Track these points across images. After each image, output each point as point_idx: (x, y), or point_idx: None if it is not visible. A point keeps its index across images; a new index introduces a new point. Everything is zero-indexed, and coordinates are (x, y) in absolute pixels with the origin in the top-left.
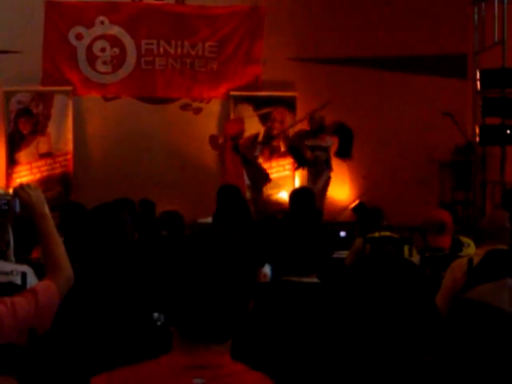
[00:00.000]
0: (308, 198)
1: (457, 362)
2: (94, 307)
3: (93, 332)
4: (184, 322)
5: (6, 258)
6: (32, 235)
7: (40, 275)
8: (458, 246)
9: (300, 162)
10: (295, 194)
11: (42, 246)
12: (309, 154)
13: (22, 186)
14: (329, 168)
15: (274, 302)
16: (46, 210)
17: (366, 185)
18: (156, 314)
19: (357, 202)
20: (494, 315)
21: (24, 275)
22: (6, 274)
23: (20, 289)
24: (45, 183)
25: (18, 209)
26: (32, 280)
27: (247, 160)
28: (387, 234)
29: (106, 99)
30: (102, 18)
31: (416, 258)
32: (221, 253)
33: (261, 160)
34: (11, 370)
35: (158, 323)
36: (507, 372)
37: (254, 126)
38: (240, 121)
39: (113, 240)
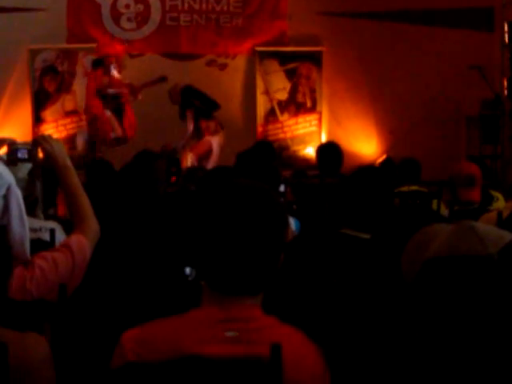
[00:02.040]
0: (336, 153)
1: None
2: (125, 262)
3: (124, 287)
4: (214, 275)
5: (34, 215)
6: (54, 187)
7: (68, 231)
8: (487, 200)
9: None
10: (323, 149)
11: (67, 198)
12: None
13: (43, 137)
14: None
15: (328, 253)
16: (69, 162)
17: (393, 139)
18: (187, 269)
19: (384, 156)
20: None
21: (52, 232)
22: (35, 230)
23: (49, 245)
24: (71, 141)
25: (38, 159)
26: (60, 236)
27: None
28: (415, 188)
29: (131, 56)
30: None
31: (444, 212)
32: (250, 204)
33: (286, 116)
34: (42, 325)
35: (190, 278)
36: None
37: (280, 82)
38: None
39: (146, 190)
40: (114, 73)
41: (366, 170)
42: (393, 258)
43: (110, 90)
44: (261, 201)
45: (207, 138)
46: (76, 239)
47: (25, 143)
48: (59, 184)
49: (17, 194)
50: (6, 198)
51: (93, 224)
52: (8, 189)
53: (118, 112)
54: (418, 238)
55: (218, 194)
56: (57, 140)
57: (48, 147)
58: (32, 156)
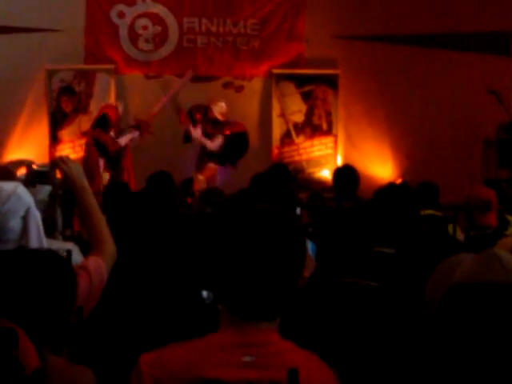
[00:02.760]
0: (352, 176)
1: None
2: (142, 284)
3: (141, 309)
4: (233, 299)
5: (52, 236)
6: (71, 208)
7: (85, 252)
8: (503, 225)
9: None
10: (339, 172)
11: (85, 220)
12: None
13: (61, 159)
14: None
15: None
16: (86, 183)
17: (409, 163)
18: (205, 293)
19: (400, 180)
20: (498, 291)
21: (69, 253)
22: None
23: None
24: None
25: (57, 181)
26: (77, 257)
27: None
28: (430, 212)
29: (148, 77)
30: None
31: (460, 237)
32: (269, 229)
33: (302, 138)
34: (61, 347)
35: (207, 301)
36: None
37: (296, 104)
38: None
39: (166, 211)
40: (111, 134)
41: (392, 188)
42: (416, 276)
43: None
44: (280, 226)
45: (213, 165)
46: (93, 261)
47: (43, 165)
48: (76, 205)
49: (36, 216)
50: (24, 219)
51: (110, 246)
52: (27, 210)
53: (115, 161)
54: (442, 266)
55: (238, 218)
56: (74, 161)
57: (66, 169)
58: (50, 178)
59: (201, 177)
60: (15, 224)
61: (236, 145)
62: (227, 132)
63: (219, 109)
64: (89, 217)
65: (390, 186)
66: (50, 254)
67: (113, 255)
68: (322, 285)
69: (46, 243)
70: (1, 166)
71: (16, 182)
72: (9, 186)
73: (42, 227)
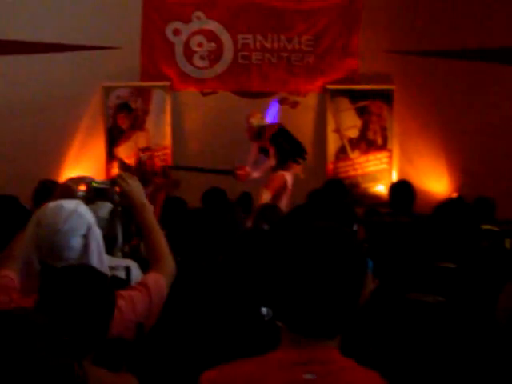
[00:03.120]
0: (408, 191)
1: None
2: (201, 301)
3: (201, 327)
4: (294, 317)
5: (112, 253)
6: (129, 225)
7: (144, 269)
8: None
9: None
10: (395, 188)
11: (144, 237)
12: None
13: (121, 176)
14: None
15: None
16: (145, 200)
17: (465, 178)
18: (264, 309)
19: (455, 195)
20: None
21: (128, 269)
22: (111, 268)
23: (124, 283)
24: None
25: (116, 198)
26: (136, 274)
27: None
28: (488, 227)
29: (204, 94)
30: (198, 13)
31: None
32: (331, 247)
33: (357, 153)
34: (120, 364)
35: (266, 318)
36: None
37: (351, 120)
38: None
39: (224, 227)
40: None
41: (452, 203)
42: (477, 291)
43: None
44: (340, 243)
45: (281, 172)
46: (153, 278)
47: (103, 182)
48: (136, 222)
49: (96, 234)
50: (85, 237)
51: (169, 262)
52: (88, 229)
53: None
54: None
55: (298, 236)
56: (134, 179)
57: (126, 186)
58: (109, 195)
59: (265, 190)
60: (76, 242)
61: (284, 143)
62: (267, 139)
63: (259, 120)
64: (148, 234)
65: (450, 201)
66: (90, 270)
67: (172, 272)
68: (384, 301)
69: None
70: (61, 183)
71: (77, 200)
72: (69, 204)
73: (102, 245)
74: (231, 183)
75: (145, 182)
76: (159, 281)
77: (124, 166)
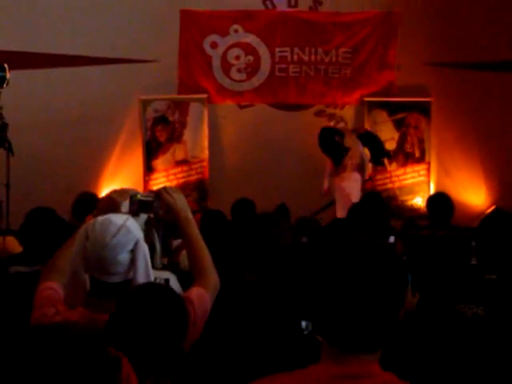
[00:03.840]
0: (447, 203)
1: None
2: (242, 315)
3: (242, 340)
4: (334, 331)
5: (152, 264)
6: (168, 237)
7: (182, 282)
8: None
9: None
10: (433, 200)
11: (189, 251)
12: None
13: (166, 189)
14: None
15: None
16: (190, 214)
17: (503, 189)
18: (304, 323)
19: (493, 207)
20: None
21: (167, 282)
22: None
23: None
24: (181, 190)
25: (160, 211)
26: (175, 287)
27: None
28: None
29: (241, 107)
30: (236, 26)
31: None
32: (372, 261)
33: (394, 166)
34: (166, 374)
35: (305, 332)
36: None
37: (388, 132)
38: None
39: (272, 243)
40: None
41: (498, 215)
42: None
43: None
44: (381, 258)
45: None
46: (197, 292)
47: (147, 195)
48: (180, 235)
49: (144, 249)
50: (133, 252)
51: (213, 277)
52: (136, 244)
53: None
54: None
55: (338, 250)
56: (178, 192)
57: (170, 200)
58: (153, 208)
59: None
60: (123, 257)
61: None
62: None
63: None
64: (193, 248)
65: (496, 213)
66: (167, 290)
67: (216, 287)
68: (429, 314)
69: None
70: (105, 195)
71: (126, 215)
72: (118, 218)
73: (149, 261)
74: (267, 194)
75: None
76: (203, 295)
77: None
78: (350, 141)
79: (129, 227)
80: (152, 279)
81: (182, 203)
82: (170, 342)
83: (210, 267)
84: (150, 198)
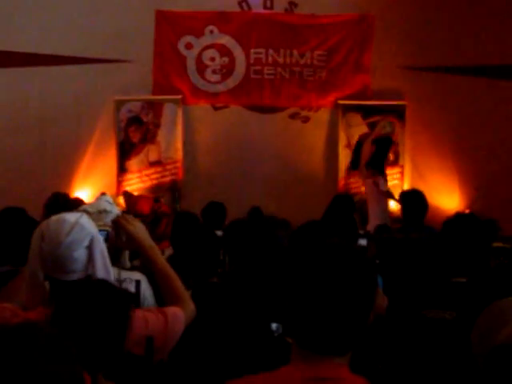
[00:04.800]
0: (419, 200)
1: None
2: (211, 317)
3: (211, 343)
4: (304, 333)
5: (119, 264)
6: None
7: (153, 283)
8: None
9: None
10: (406, 196)
11: (161, 281)
12: None
13: (124, 217)
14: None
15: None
16: (152, 242)
17: (476, 194)
18: (274, 325)
19: (467, 211)
20: None
21: (138, 283)
22: (120, 281)
23: (134, 297)
24: (154, 191)
25: (118, 240)
26: (146, 288)
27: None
28: (499, 244)
29: (215, 108)
30: (211, 27)
31: None
32: (342, 264)
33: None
34: (129, 379)
35: (276, 334)
36: None
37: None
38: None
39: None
40: None
41: (459, 218)
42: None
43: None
44: (352, 261)
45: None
46: (173, 310)
47: (106, 224)
48: (148, 265)
49: (100, 245)
50: (89, 248)
51: (191, 305)
52: (91, 240)
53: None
54: (488, 316)
55: (309, 253)
56: (137, 220)
57: (131, 228)
58: (109, 238)
59: None
60: (80, 254)
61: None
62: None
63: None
64: (165, 277)
65: (457, 216)
66: (106, 284)
67: (192, 314)
68: (398, 318)
69: (115, 272)
70: None
71: (80, 212)
72: (71, 217)
73: (107, 256)
74: (241, 196)
75: (157, 222)
76: (178, 313)
77: (128, 198)
78: None
79: (83, 224)
80: (112, 274)
81: (142, 231)
82: (110, 337)
83: (185, 295)
84: (107, 229)
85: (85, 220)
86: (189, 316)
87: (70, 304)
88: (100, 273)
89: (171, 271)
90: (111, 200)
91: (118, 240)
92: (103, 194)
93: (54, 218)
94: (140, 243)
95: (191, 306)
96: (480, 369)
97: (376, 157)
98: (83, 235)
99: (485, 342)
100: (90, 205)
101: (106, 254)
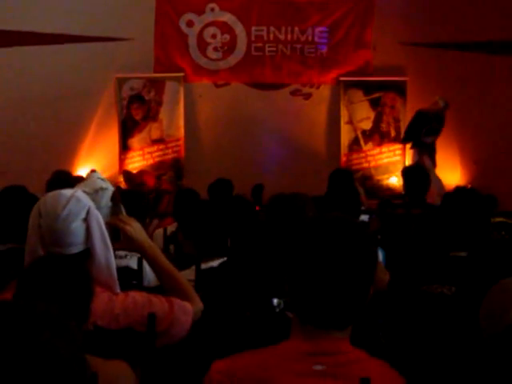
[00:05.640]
0: (422, 175)
1: None
2: (212, 292)
3: (212, 317)
4: (305, 308)
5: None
6: (141, 213)
7: None
8: None
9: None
10: (408, 172)
11: (167, 281)
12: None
13: (120, 219)
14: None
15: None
16: (151, 241)
17: (478, 170)
18: (275, 300)
19: (468, 187)
20: None
21: (140, 259)
22: (121, 257)
23: (136, 273)
24: (157, 168)
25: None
26: (147, 266)
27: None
28: (500, 219)
29: (217, 85)
30: (212, 4)
31: None
32: (342, 239)
33: (370, 145)
34: (131, 354)
35: (277, 309)
36: None
37: (364, 111)
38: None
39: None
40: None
41: (459, 192)
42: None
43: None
44: (351, 235)
45: None
46: (181, 302)
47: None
48: (150, 265)
49: (97, 216)
50: (86, 221)
51: (198, 302)
52: (88, 212)
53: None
54: (497, 295)
55: (310, 227)
56: (133, 219)
57: (129, 229)
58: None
59: None
60: (77, 226)
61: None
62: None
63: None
64: (169, 275)
65: (457, 189)
66: (63, 259)
67: (200, 310)
68: (399, 292)
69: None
70: None
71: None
72: (67, 191)
73: (104, 228)
74: (242, 173)
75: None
76: (186, 305)
77: (129, 178)
78: None
79: (78, 196)
80: (110, 246)
81: (140, 231)
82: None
83: (193, 293)
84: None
85: (80, 193)
86: (197, 312)
87: (28, 279)
88: (98, 246)
89: (174, 269)
90: (102, 176)
91: (116, 242)
92: (93, 171)
93: (49, 194)
94: (139, 244)
95: (199, 304)
96: (488, 347)
97: (411, 129)
98: (80, 207)
99: (496, 321)
100: (85, 184)
101: (103, 227)
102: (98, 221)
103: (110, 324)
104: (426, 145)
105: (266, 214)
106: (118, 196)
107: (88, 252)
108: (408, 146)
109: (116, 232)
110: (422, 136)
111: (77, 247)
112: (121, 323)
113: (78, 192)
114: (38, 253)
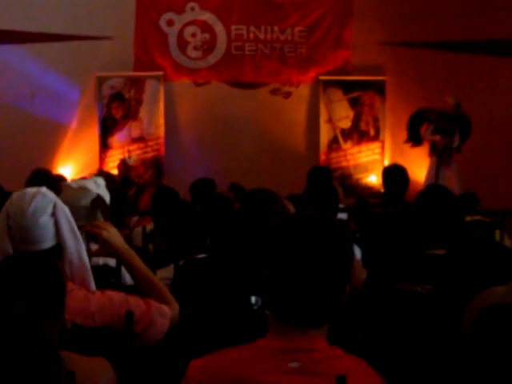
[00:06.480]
0: (401, 175)
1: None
2: (192, 291)
3: (191, 315)
4: (280, 305)
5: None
6: (119, 215)
7: None
8: None
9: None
10: (387, 172)
11: (142, 283)
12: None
13: (96, 225)
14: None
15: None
16: (126, 244)
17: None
18: (253, 298)
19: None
20: None
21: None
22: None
23: (115, 272)
24: (137, 167)
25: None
26: None
27: None
28: (478, 217)
29: (197, 84)
30: (192, 4)
31: (508, 243)
32: (318, 236)
33: (349, 144)
34: (109, 352)
35: (255, 307)
36: None
37: (343, 110)
38: None
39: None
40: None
41: (432, 190)
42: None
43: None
44: (328, 233)
45: None
46: (158, 304)
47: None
48: (127, 269)
49: (64, 210)
50: (54, 215)
51: (176, 306)
52: (54, 206)
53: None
54: (483, 300)
55: (286, 225)
56: (109, 224)
57: (106, 234)
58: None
59: None
60: (45, 220)
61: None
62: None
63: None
64: (146, 279)
65: (429, 188)
66: (34, 257)
67: (177, 315)
68: (374, 290)
69: (94, 248)
70: None
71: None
72: (32, 188)
73: (72, 220)
74: (222, 171)
75: (127, 184)
76: (163, 308)
77: (107, 178)
78: None
79: (44, 192)
80: (81, 240)
81: (117, 235)
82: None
83: (170, 296)
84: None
85: (45, 190)
86: (175, 315)
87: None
88: (68, 240)
89: (151, 273)
90: (102, 183)
91: (90, 250)
92: (100, 172)
93: (15, 193)
94: (116, 248)
95: (177, 308)
96: (466, 340)
97: (408, 127)
98: (46, 202)
99: (474, 314)
100: (76, 180)
101: (72, 221)
102: (66, 214)
103: (85, 322)
104: (438, 148)
105: (238, 212)
106: (102, 204)
107: (59, 248)
108: (408, 144)
109: (92, 238)
110: (427, 134)
111: (47, 242)
112: (97, 321)
113: (43, 188)
114: (8, 253)
